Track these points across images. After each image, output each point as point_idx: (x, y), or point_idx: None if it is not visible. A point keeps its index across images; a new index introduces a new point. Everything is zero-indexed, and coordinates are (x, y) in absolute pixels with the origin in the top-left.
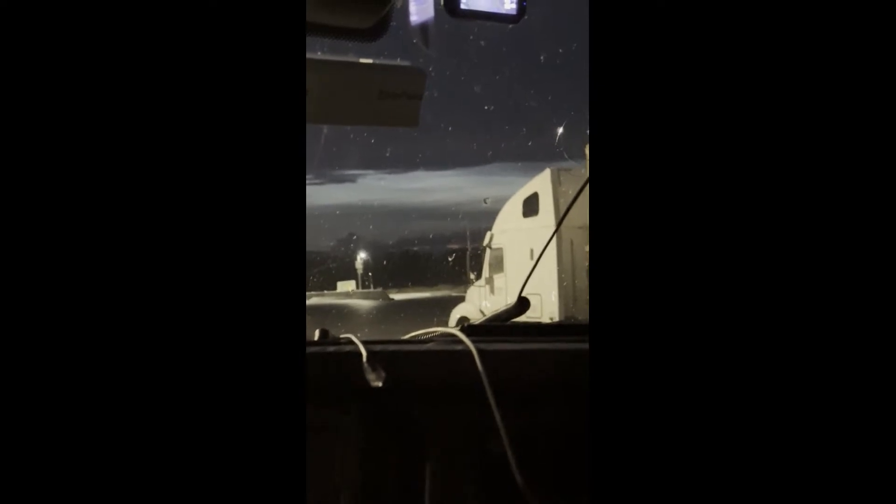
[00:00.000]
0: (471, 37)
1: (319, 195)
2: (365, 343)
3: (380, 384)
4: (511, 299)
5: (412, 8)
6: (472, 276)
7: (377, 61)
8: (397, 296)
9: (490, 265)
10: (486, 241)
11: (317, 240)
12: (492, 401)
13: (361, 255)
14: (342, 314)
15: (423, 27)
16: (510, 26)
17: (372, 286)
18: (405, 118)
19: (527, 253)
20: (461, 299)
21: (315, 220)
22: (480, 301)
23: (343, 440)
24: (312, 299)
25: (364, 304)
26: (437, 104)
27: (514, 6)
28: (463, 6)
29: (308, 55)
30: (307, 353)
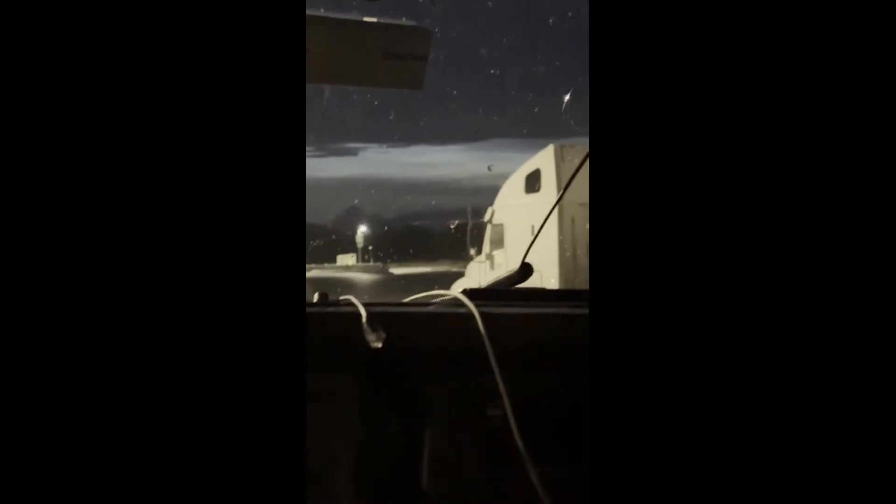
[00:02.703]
0: None
1: (321, 168)
2: (365, 305)
3: (379, 345)
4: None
5: None
6: (473, 252)
7: (382, 20)
8: (398, 270)
9: (491, 241)
10: (487, 217)
11: (317, 213)
12: (493, 363)
13: (362, 229)
14: (342, 287)
15: None
16: None
17: (372, 260)
18: (409, 80)
19: (528, 229)
20: (461, 274)
21: (316, 192)
22: (481, 277)
23: (342, 401)
24: (312, 272)
25: (364, 277)
26: (442, 68)
27: None
28: None
29: (309, 12)
30: (307, 314)
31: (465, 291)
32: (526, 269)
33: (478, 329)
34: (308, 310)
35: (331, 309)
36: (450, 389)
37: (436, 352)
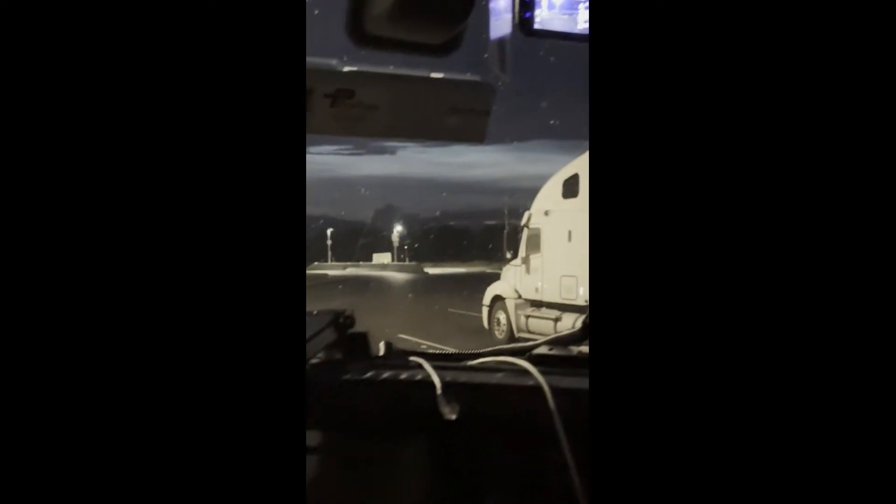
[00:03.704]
0: (541, 52)
1: (358, 166)
2: (432, 360)
3: (454, 417)
4: (546, 281)
5: (492, 24)
6: (509, 255)
7: (447, 75)
8: (432, 270)
9: (527, 245)
10: (524, 221)
11: (354, 210)
12: (563, 439)
13: (398, 228)
14: (379, 286)
15: (501, 45)
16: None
17: (407, 259)
18: (472, 134)
19: (565, 234)
20: (496, 276)
21: (353, 190)
22: (516, 280)
23: (406, 470)
24: (348, 270)
25: (399, 276)
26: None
27: (587, 26)
28: (537, 26)
29: (380, 69)
30: (378, 376)
31: (530, 357)
32: (587, 330)
33: (547, 402)
34: (377, 372)
35: (404, 375)
36: (518, 463)
37: (505, 423)
